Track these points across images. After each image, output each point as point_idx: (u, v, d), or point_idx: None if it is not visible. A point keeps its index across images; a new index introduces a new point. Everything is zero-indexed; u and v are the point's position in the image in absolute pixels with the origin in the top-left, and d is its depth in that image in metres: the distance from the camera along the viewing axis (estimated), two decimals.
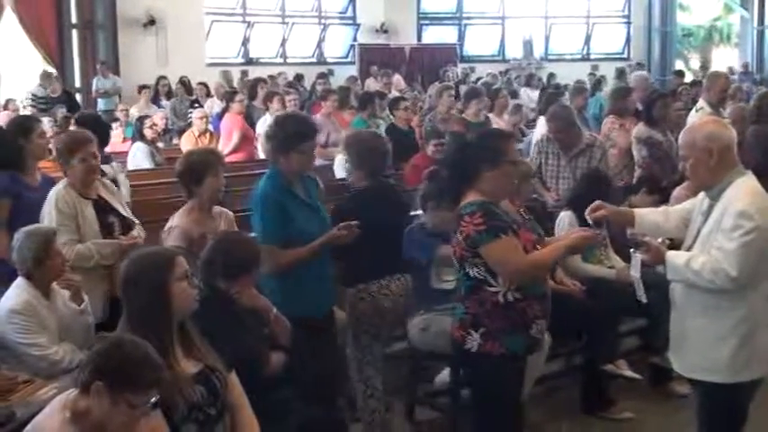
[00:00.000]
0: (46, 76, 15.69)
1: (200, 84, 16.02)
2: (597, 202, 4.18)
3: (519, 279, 3.95)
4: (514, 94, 14.71)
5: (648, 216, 4.20)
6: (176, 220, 4.89)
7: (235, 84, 16.92)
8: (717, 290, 3.71)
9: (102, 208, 5.16)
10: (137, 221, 5.38)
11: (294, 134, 4.65)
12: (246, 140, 10.53)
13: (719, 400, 3.90)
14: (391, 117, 9.92)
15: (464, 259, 4.00)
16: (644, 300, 4.14)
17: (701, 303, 3.83)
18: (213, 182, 4.89)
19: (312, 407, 4.28)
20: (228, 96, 11.51)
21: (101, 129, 6.50)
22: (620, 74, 17.20)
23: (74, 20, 17.49)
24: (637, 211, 4.29)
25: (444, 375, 5.63)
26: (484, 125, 9.25)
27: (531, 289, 4.02)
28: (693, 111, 7.65)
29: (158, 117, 11.92)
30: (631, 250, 4.04)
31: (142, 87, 15.36)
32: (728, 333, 3.77)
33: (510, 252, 3.91)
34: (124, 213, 5.31)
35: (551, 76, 19.76)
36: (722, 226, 3.70)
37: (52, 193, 5.07)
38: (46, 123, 11.11)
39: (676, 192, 6.44)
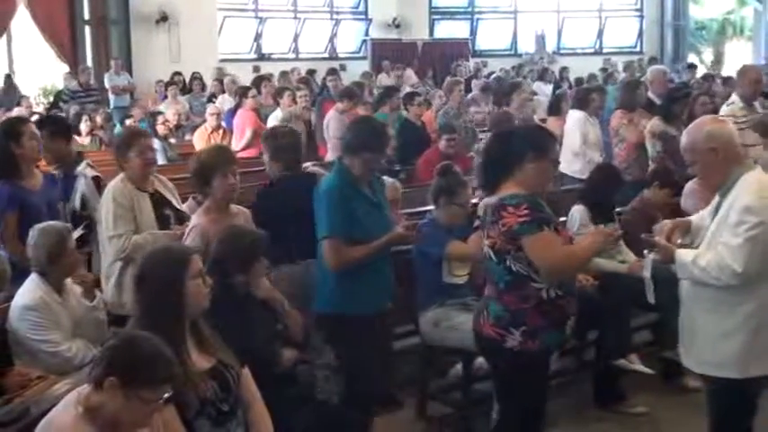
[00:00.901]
0: (82, 70, 15.76)
1: (216, 80, 16.01)
2: (669, 224, 4.06)
3: (557, 273, 3.91)
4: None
5: (698, 222, 4.09)
6: (195, 220, 4.91)
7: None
8: (723, 286, 3.71)
9: (158, 201, 5.21)
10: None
11: (364, 142, 4.58)
12: (258, 137, 10.49)
13: (729, 396, 3.89)
14: (405, 112, 9.90)
15: (505, 252, 3.90)
16: (652, 301, 4.13)
17: (708, 299, 3.83)
18: (222, 182, 4.83)
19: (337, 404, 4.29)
20: (241, 92, 11.50)
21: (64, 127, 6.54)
22: (627, 67, 17.13)
23: (86, 16, 17.56)
24: (692, 219, 4.19)
25: (457, 370, 5.62)
26: (528, 120, 9.34)
27: (568, 286, 4.01)
28: (725, 106, 7.53)
29: (171, 113, 11.96)
30: (645, 251, 4.03)
31: (169, 84, 15.28)
32: (736, 329, 3.77)
33: (552, 245, 3.87)
34: (178, 206, 5.33)
35: (564, 69, 19.68)
36: (728, 222, 3.71)
37: (109, 188, 5.13)
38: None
39: (688, 186, 6.43)
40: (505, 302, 3.96)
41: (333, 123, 10.01)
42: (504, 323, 3.96)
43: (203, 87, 15.87)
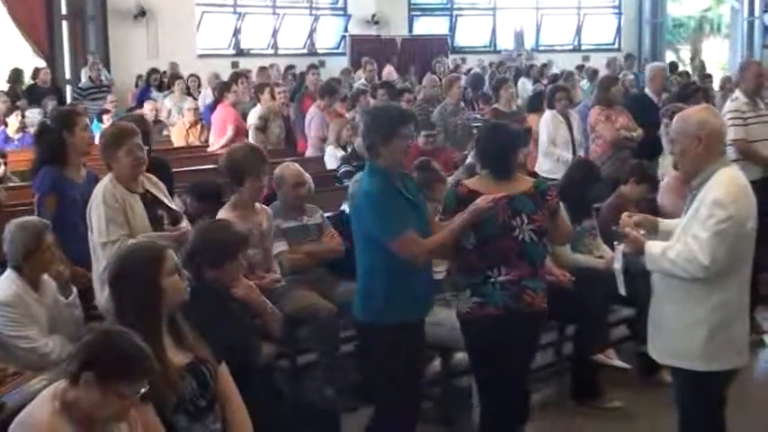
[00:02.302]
0: (93, 65, 15.60)
1: (193, 76, 15.91)
2: (637, 217, 4.17)
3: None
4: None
5: (669, 225, 4.17)
6: (222, 214, 4.97)
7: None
8: (691, 278, 3.75)
9: (150, 201, 5.01)
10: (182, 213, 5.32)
11: (395, 117, 4.34)
12: (240, 133, 10.45)
13: (694, 388, 3.94)
14: None
15: (545, 232, 4.44)
16: (623, 292, 4.18)
17: (677, 291, 3.87)
18: (254, 183, 5.01)
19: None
20: (222, 87, 11.36)
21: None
22: (610, 64, 17.20)
23: (64, 11, 17.41)
24: (661, 220, 4.28)
25: (435, 365, 5.64)
26: (516, 115, 9.32)
27: None
28: (729, 101, 7.53)
29: (149, 108, 11.91)
30: (615, 243, 4.09)
31: (175, 78, 14.81)
32: (701, 321, 3.81)
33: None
34: (171, 206, 5.19)
35: (546, 65, 19.66)
36: (698, 215, 3.75)
37: (99, 189, 4.92)
38: (37, 115, 11.17)
39: (665, 182, 6.48)
40: (541, 277, 4.53)
41: (315, 121, 9.98)
42: (545, 294, 4.50)
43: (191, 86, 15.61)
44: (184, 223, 5.13)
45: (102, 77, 15.47)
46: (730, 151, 6.45)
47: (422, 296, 4.46)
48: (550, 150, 8.69)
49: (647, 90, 9.08)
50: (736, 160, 7.08)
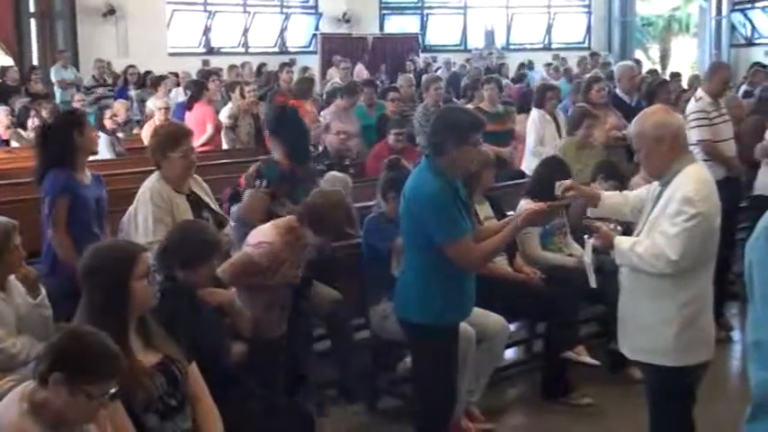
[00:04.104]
0: (98, 62, 15.63)
1: (173, 74, 15.71)
2: (568, 182, 4.28)
3: None
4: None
5: (611, 198, 4.30)
6: (272, 237, 4.82)
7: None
8: (660, 274, 3.79)
9: (196, 203, 4.93)
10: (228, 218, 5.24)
11: (470, 123, 4.27)
12: (219, 131, 10.50)
13: (666, 383, 3.97)
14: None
15: None
16: (593, 285, 4.23)
17: (646, 287, 3.91)
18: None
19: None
20: (199, 86, 11.18)
21: None
22: (580, 63, 17.29)
23: (32, 8, 17.27)
24: (602, 192, 4.40)
25: (405, 363, 5.65)
26: (500, 116, 9.26)
27: None
28: (693, 101, 7.56)
29: (120, 107, 11.80)
30: (585, 236, 4.13)
31: (160, 78, 14.09)
32: (672, 317, 3.85)
33: None
34: (215, 209, 5.10)
35: (523, 65, 19.72)
36: (667, 211, 3.79)
37: (146, 188, 4.84)
38: (2, 113, 11.06)
39: (634, 180, 6.52)
40: None
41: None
42: None
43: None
44: (228, 228, 5.08)
45: (52, 75, 15.46)
46: (696, 151, 6.51)
47: (472, 295, 4.47)
48: (538, 150, 8.56)
49: (617, 90, 9.05)
50: (705, 160, 7.16)
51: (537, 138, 8.54)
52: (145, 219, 4.74)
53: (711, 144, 7.07)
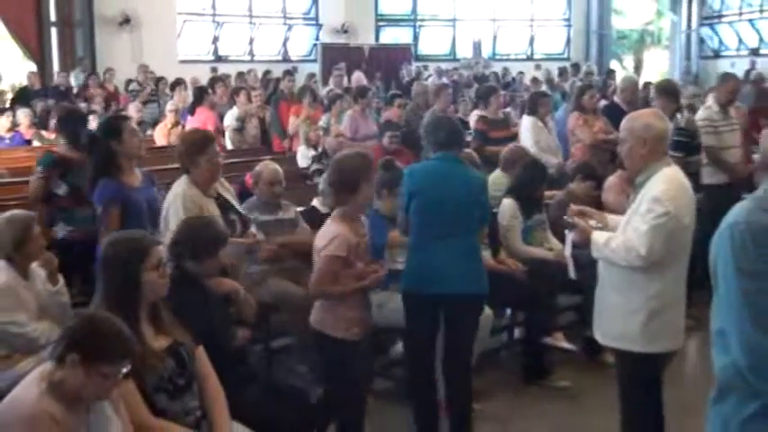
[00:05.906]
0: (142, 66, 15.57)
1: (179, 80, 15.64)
2: (581, 208, 4.20)
3: None
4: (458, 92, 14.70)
5: (613, 221, 4.19)
6: (334, 229, 4.22)
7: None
8: (631, 267, 3.81)
9: (224, 206, 4.85)
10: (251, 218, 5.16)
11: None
12: (219, 135, 10.42)
13: (634, 367, 3.99)
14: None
15: None
16: (573, 276, 4.24)
17: (618, 279, 3.93)
18: (368, 189, 4.24)
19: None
20: (202, 91, 11.18)
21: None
22: (562, 73, 17.28)
23: (53, 18, 17.23)
24: (608, 216, 4.30)
25: (397, 347, 5.65)
26: (504, 122, 9.09)
27: None
28: (702, 109, 7.50)
29: (133, 110, 11.77)
30: (566, 231, 4.13)
31: (176, 83, 13.72)
32: (640, 307, 3.87)
33: None
34: (241, 211, 5.01)
35: (506, 72, 19.71)
36: (639, 210, 3.81)
37: (176, 193, 4.74)
38: (21, 115, 11.04)
39: (609, 180, 6.53)
40: None
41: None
42: None
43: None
44: (253, 228, 5.03)
45: (72, 80, 15.30)
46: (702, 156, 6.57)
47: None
48: (538, 155, 8.46)
49: (617, 99, 8.96)
50: (707, 165, 7.19)
51: (534, 143, 8.30)
52: (176, 221, 4.60)
53: (714, 150, 7.08)
